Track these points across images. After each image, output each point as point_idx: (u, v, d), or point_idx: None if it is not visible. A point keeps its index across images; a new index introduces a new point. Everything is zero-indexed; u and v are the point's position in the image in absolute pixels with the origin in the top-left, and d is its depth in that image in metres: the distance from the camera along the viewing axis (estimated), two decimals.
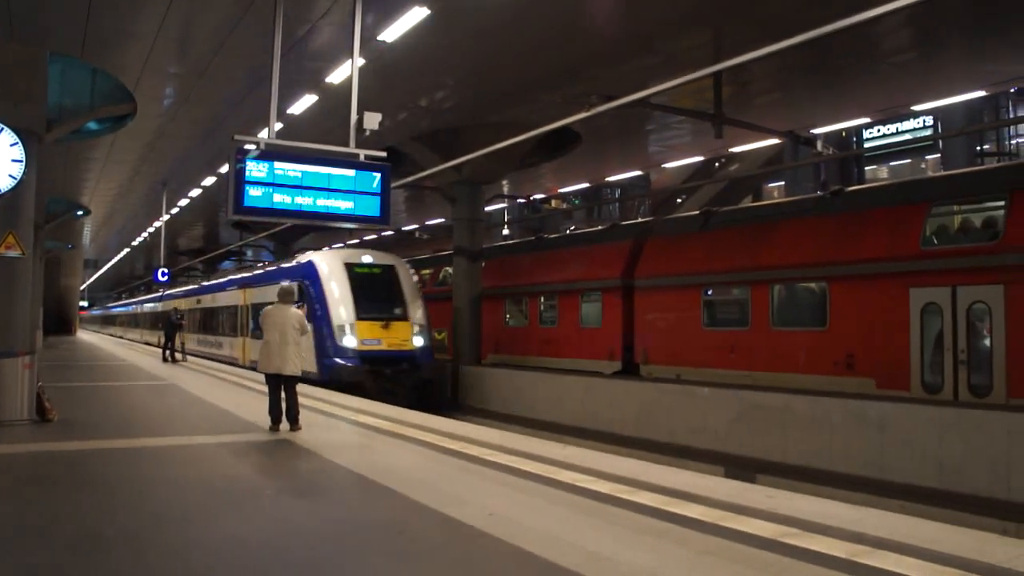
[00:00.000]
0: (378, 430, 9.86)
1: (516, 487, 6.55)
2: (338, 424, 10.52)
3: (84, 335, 58.30)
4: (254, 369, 15.55)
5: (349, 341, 17.11)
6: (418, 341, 17.92)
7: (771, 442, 11.97)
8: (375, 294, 18.11)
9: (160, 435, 9.60)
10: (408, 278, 18.90)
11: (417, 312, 18.29)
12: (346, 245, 36.80)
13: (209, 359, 25.55)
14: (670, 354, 15.47)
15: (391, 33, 12.13)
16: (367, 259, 19.10)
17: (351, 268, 18.28)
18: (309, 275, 18.50)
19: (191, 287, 36.91)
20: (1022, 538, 7.43)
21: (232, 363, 23.73)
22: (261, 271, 25.57)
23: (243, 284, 24.76)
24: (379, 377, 16.70)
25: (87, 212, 30.27)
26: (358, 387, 15.82)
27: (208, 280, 34.67)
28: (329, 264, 18.46)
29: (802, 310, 13.61)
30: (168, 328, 23.91)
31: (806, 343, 13.08)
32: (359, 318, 17.37)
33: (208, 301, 29.33)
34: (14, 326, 10.58)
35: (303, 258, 19.94)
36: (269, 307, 9.88)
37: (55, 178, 23.01)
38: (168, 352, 23.52)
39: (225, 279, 29.51)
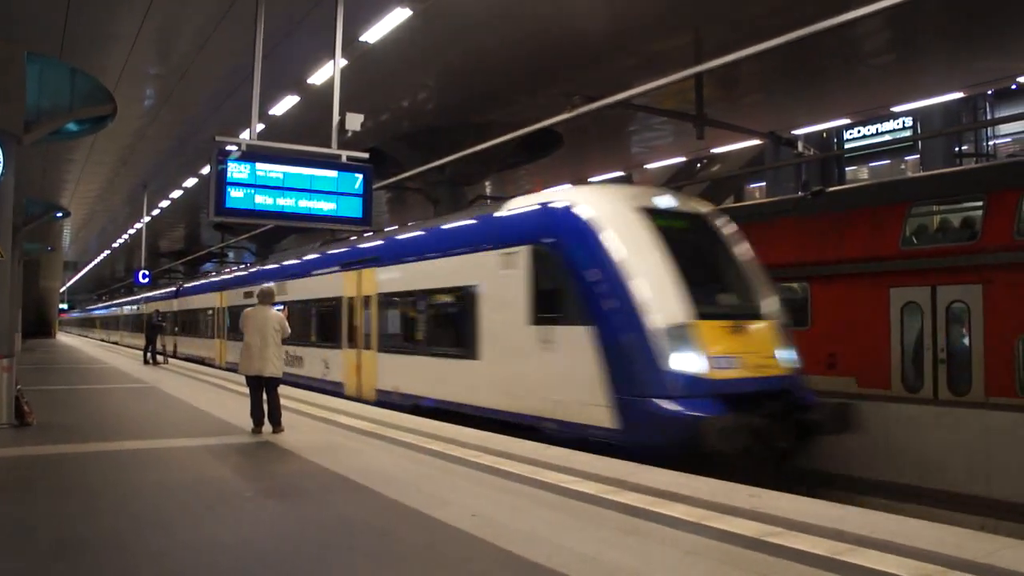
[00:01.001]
0: (360, 431, 9.81)
1: (500, 488, 6.54)
2: (320, 425, 10.46)
3: (65, 338, 57.74)
4: (386, 406, 12.32)
5: (689, 361, 8.46)
6: (786, 356, 9.45)
7: None
8: (703, 269, 9.75)
9: (141, 438, 9.50)
10: (733, 239, 10.28)
11: (772, 301, 10.01)
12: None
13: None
14: None
15: (373, 34, 12.11)
16: (668, 202, 10.05)
17: (654, 218, 9.42)
18: (566, 228, 9.63)
19: (240, 273, 25.24)
20: (1000, 534, 7.52)
21: (326, 389, 14.99)
22: (419, 233, 14.03)
23: (363, 260, 14.67)
24: (753, 433, 8.09)
25: (67, 214, 29.97)
26: (711, 456, 7.76)
27: (266, 262, 23.48)
28: (611, 210, 9.48)
29: (784, 310, 13.67)
30: (149, 330, 23.89)
31: None
32: (701, 315, 8.77)
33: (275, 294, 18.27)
34: None
35: (547, 200, 10.39)
36: (248, 309, 9.89)
37: (33, 179, 22.76)
38: (149, 355, 23.46)
39: (316, 255, 18.03)
